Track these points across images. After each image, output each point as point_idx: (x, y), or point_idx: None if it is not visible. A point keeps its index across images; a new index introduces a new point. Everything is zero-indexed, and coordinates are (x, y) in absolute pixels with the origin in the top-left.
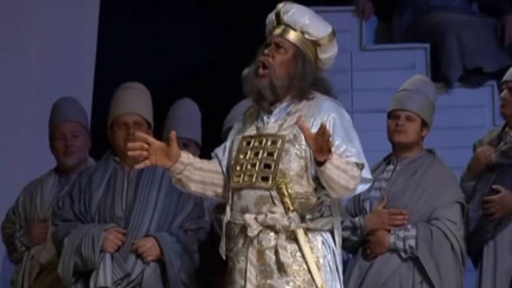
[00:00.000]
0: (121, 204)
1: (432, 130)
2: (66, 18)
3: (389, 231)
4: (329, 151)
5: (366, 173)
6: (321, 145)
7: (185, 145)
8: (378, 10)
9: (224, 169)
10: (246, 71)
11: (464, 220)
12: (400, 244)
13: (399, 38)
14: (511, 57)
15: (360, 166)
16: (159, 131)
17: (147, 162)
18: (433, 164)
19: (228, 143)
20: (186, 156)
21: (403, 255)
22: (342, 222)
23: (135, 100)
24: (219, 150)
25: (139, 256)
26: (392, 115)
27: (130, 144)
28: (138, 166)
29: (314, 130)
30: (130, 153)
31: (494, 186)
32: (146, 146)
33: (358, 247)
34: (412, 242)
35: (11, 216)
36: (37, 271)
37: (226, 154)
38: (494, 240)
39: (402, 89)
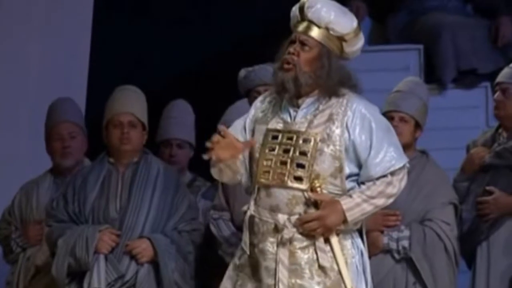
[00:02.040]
0: (115, 205)
1: (426, 131)
2: (60, 21)
3: (382, 232)
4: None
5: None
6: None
7: (179, 146)
8: (371, 11)
9: (246, 160)
10: (242, 72)
11: (457, 221)
12: (393, 245)
13: (394, 39)
14: (505, 58)
15: (404, 165)
16: (152, 133)
17: (211, 155)
18: (427, 165)
19: (246, 128)
20: None
21: (397, 256)
22: None
23: (130, 101)
24: (240, 137)
25: (133, 257)
26: (386, 116)
27: (212, 140)
28: (205, 157)
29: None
30: (207, 143)
31: (487, 188)
32: (220, 139)
33: None
34: (405, 243)
35: (7, 217)
36: (33, 273)
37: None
38: (488, 241)
39: (395, 90)
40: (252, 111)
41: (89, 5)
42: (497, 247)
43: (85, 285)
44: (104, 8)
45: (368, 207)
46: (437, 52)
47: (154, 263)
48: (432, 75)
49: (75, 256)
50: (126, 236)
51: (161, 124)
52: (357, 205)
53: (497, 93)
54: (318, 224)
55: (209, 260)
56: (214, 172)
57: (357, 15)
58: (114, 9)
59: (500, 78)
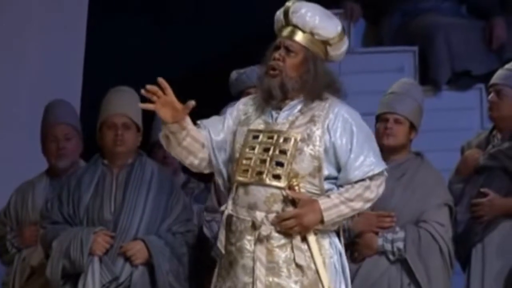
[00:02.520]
0: (109, 207)
1: (420, 133)
2: (55, 23)
3: (377, 233)
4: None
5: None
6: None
7: None
8: (366, 13)
9: (215, 150)
10: (233, 74)
11: (452, 222)
12: (388, 247)
13: (388, 41)
14: (499, 60)
15: (382, 171)
16: (147, 133)
17: (150, 106)
18: (421, 167)
19: (225, 126)
20: (187, 121)
21: (391, 257)
22: None
23: (124, 102)
24: (212, 127)
25: (127, 259)
26: (380, 118)
27: (148, 86)
28: (141, 106)
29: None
30: (142, 91)
31: (482, 189)
32: (161, 93)
33: (346, 250)
34: (400, 245)
35: (2, 218)
36: (28, 273)
37: (221, 137)
38: (483, 243)
39: (390, 92)
40: (234, 112)
41: (84, 6)
42: (492, 248)
43: (80, 287)
44: (100, 9)
45: (345, 209)
46: (431, 53)
47: (149, 265)
48: (427, 76)
49: (69, 258)
50: (121, 238)
51: (154, 125)
52: (335, 205)
53: (491, 95)
54: (296, 222)
55: (202, 261)
56: (161, 138)
57: (351, 16)
58: (109, 10)
59: (494, 79)
